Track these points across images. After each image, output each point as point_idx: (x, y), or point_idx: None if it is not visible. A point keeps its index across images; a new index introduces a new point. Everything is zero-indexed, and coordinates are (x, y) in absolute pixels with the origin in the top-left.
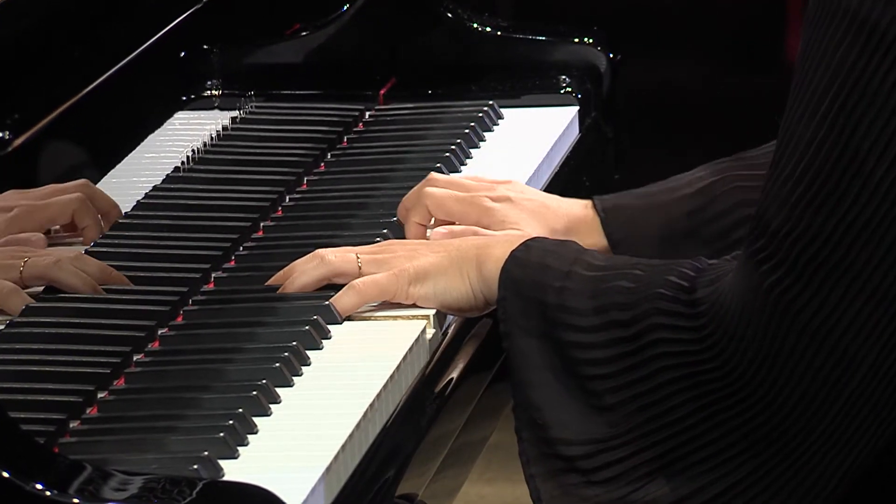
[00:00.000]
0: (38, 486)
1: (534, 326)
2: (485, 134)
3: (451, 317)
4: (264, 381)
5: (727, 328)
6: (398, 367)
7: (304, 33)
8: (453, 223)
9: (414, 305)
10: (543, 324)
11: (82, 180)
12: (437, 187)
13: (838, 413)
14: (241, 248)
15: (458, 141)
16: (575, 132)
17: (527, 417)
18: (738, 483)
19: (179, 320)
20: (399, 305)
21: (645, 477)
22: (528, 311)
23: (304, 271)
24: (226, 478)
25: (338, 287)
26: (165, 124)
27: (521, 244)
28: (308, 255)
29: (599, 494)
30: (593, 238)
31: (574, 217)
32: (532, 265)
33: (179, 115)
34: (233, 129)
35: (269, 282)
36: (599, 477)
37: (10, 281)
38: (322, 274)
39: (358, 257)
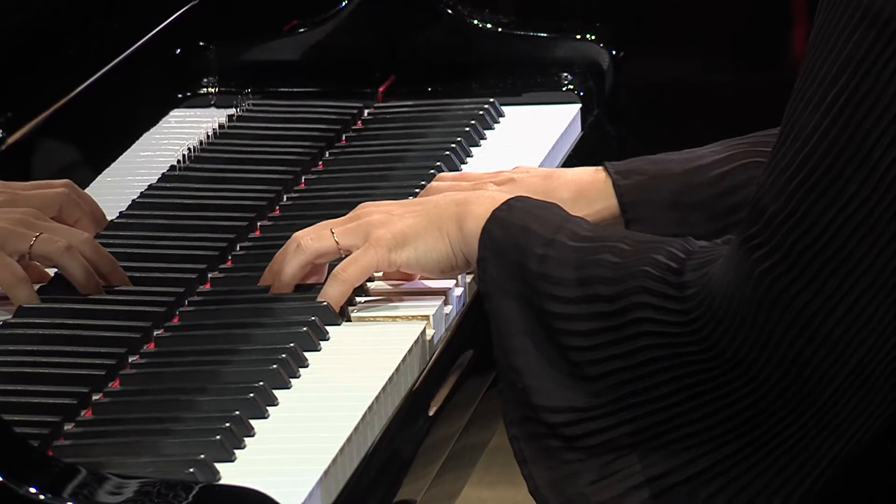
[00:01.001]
0: (32, 490)
1: (514, 290)
2: (485, 132)
3: (452, 318)
4: (261, 384)
5: (715, 313)
6: (397, 369)
7: (302, 30)
8: None
9: (413, 306)
10: (524, 288)
11: (65, 180)
12: (444, 182)
13: (829, 399)
14: (238, 248)
15: (459, 139)
16: (577, 130)
17: (508, 380)
18: (721, 461)
19: (175, 321)
20: (398, 305)
21: (628, 447)
22: (509, 273)
23: (286, 262)
24: (222, 481)
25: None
26: (161, 122)
27: (503, 203)
28: (286, 244)
29: (583, 459)
30: (603, 202)
31: (582, 182)
32: (514, 227)
33: (175, 112)
34: (229, 127)
35: (260, 282)
36: (583, 444)
37: (17, 252)
38: (302, 260)
39: (332, 231)
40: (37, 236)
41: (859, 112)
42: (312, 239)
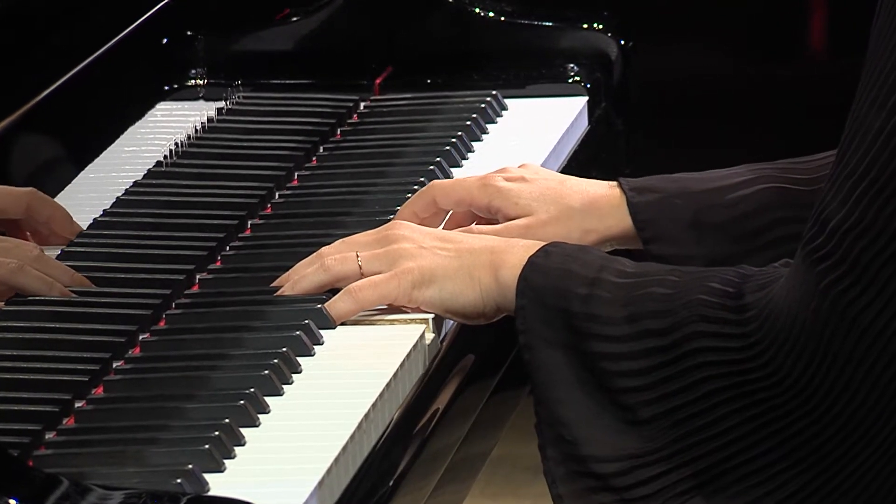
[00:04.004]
0: (12, 502)
1: (558, 337)
2: (487, 126)
3: (452, 321)
4: (252, 390)
5: (778, 334)
6: (395, 375)
7: (295, 19)
8: (463, 220)
9: (413, 308)
10: (568, 334)
11: (30, 188)
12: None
13: None
14: (228, 248)
15: (459, 133)
16: (584, 124)
17: (553, 434)
18: (789, 497)
19: (162, 325)
20: (397, 308)
21: (685, 493)
22: (550, 320)
23: (305, 276)
24: (211, 492)
25: (334, 290)
26: (147, 116)
27: (539, 249)
28: (310, 257)
29: None
30: (615, 218)
31: (595, 195)
32: (553, 271)
33: (162, 105)
34: (219, 120)
35: (273, 284)
36: (635, 494)
37: None
38: (323, 280)
39: (358, 256)
40: None
41: None
42: (336, 261)
